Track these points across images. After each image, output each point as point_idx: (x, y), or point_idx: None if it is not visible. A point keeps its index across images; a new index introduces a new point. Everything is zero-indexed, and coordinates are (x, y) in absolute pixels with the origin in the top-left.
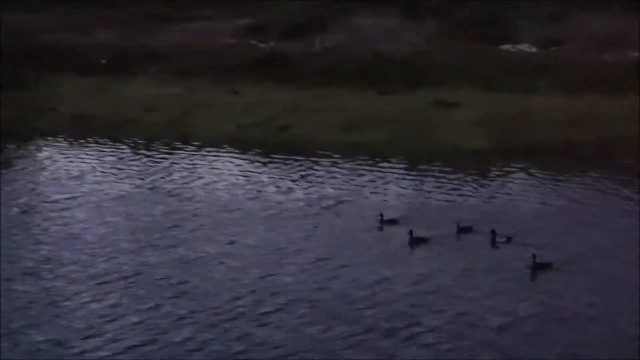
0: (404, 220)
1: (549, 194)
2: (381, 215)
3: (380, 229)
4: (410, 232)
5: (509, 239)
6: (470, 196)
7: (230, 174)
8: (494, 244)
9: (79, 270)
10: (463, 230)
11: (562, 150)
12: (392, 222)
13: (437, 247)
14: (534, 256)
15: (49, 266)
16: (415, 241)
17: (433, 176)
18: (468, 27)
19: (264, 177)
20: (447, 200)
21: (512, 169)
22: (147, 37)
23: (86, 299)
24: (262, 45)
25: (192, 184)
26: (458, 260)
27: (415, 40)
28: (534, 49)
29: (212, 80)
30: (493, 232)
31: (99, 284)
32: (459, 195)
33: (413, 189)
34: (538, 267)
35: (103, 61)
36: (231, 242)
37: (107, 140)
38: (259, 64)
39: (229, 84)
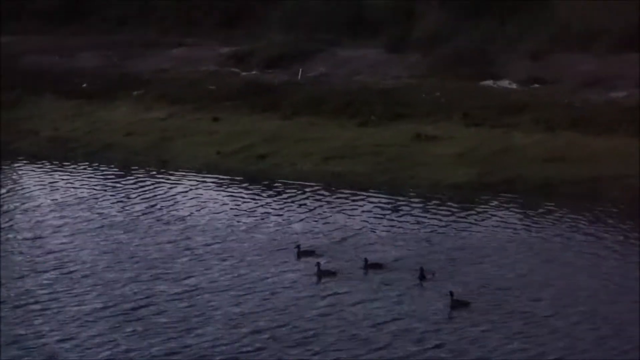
0: (328, 251)
1: (519, 230)
2: (298, 246)
3: (298, 259)
4: (318, 265)
5: (433, 275)
6: (433, 230)
7: (209, 202)
8: (422, 279)
9: (64, 301)
10: (371, 266)
11: (541, 187)
12: (309, 253)
13: (343, 281)
14: (452, 294)
15: (33, 296)
16: (323, 274)
17: (408, 210)
18: (451, 62)
19: (242, 206)
20: (404, 234)
21: (489, 205)
22: (130, 63)
23: (73, 329)
24: (244, 73)
25: (171, 212)
26: (352, 294)
27: (398, 73)
28: (514, 86)
29: (194, 107)
30: (421, 268)
31: (86, 314)
32: (421, 229)
33: (379, 221)
34: (456, 305)
35: (84, 85)
36: (210, 275)
37: (86, 164)
38: (241, 92)
39: (210, 111)
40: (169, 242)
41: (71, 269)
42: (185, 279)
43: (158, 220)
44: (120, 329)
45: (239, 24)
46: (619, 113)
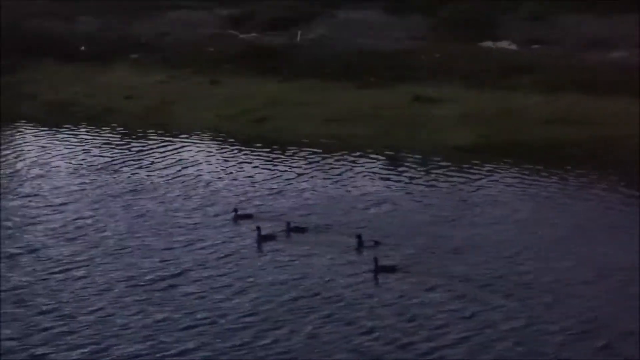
0: (269, 215)
1: (521, 192)
2: (235, 210)
3: (236, 223)
4: (258, 229)
5: (376, 243)
6: (428, 191)
7: (208, 166)
8: (359, 247)
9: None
10: (294, 230)
11: (542, 148)
12: (247, 217)
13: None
14: (376, 259)
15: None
16: (263, 238)
17: (405, 172)
18: (451, 24)
19: (242, 171)
20: (395, 196)
21: (489, 167)
22: (129, 26)
23: (96, 300)
24: (244, 36)
25: (171, 176)
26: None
27: (399, 35)
28: (514, 47)
29: (194, 70)
30: (359, 236)
31: (109, 283)
32: (415, 190)
33: (374, 184)
34: (380, 270)
35: (83, 49)
36: (201, 248)
37: (87, 128)
38: (241, 55)
39: (210, 74)
40: (181, 209)
41: (90, 234)
42: (201, 246)
43: (167, 184)
44: (146, 297)
45: None
46: (621, 73)
